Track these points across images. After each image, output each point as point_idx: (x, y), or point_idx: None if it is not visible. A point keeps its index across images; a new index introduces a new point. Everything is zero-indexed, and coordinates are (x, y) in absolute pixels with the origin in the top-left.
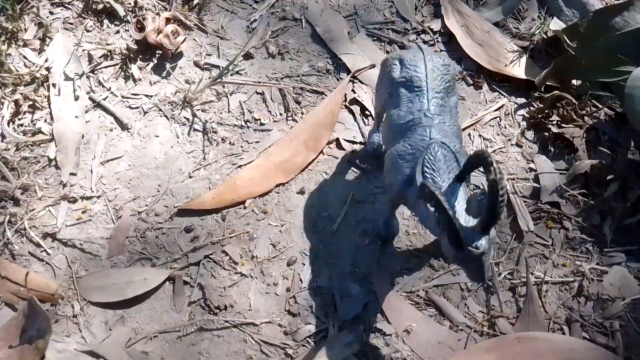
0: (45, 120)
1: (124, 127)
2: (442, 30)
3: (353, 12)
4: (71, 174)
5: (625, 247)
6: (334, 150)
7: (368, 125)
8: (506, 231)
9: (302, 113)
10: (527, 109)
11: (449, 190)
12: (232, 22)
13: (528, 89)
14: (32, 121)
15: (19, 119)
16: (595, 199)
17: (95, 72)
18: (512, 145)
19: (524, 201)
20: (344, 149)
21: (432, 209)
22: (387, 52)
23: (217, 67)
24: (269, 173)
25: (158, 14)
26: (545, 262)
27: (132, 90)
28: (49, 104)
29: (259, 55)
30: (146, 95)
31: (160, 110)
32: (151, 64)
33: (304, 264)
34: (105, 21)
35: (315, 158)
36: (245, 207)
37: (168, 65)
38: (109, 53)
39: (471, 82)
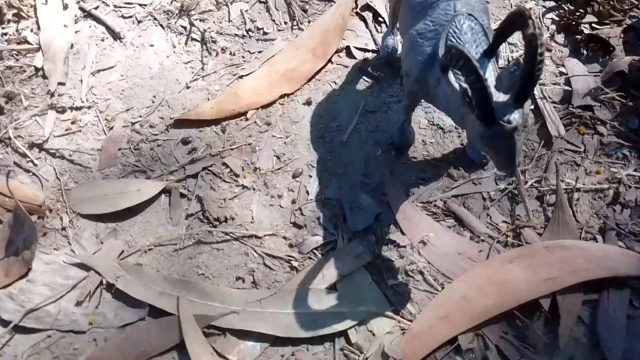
0: (32, 30)
1: (116, 36)
2: None
3: None
4: (59, 83)
5: None
6: (343, 59)
7: (381, 32)
8: (533, 138)
9: (309, 22)
10: (557, 12)
11: None
12: None
13: None
14: (17, 30)
15: (2, 28)
16: (633, 101)
17: None
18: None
19: (554, 106)
20: (354, 58)
21: (455, 85)
22: None
23: None
24: (272, 83)
25: None
26: (577, 169)
27: None
28: (35, 13)
29: None
30: (140, 5)
31: (155, 19)
32: None
33: (310, 176)
34: None
35: (324, 67)
36: (247, 119)
37: None
38: None
39: None
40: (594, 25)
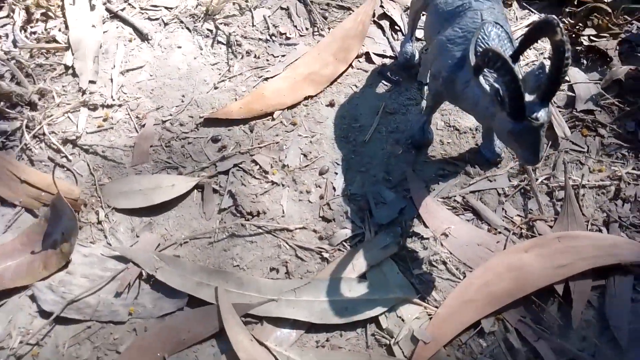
0: (60, 30)
1: (143, 37)
2: None
3: None
4: (90, 81)
5: None
6: (363, 64)
7: (398, 40)
8: None
9: (329, 28)
10: None
11: None
12: None
13: (559, 5)
14: (45, 29)
15: (32, 27)
16: (630, 106)
17: None
18: (544, 59)
19: (559, 110)
20: (373, 63)
21: (485, 86)
22: None
23: None
24: (297, 85)
25: None
26: (582, 167)
27: (151, 1)
28: (63, 14)
29: None
30: (166, 7)
31: (181, 22)
32: None
33: (336, 173)
34: None
35: (345, 70)
36: (273, 119)
37: None
38: None
39: None
40: (592, 37)
